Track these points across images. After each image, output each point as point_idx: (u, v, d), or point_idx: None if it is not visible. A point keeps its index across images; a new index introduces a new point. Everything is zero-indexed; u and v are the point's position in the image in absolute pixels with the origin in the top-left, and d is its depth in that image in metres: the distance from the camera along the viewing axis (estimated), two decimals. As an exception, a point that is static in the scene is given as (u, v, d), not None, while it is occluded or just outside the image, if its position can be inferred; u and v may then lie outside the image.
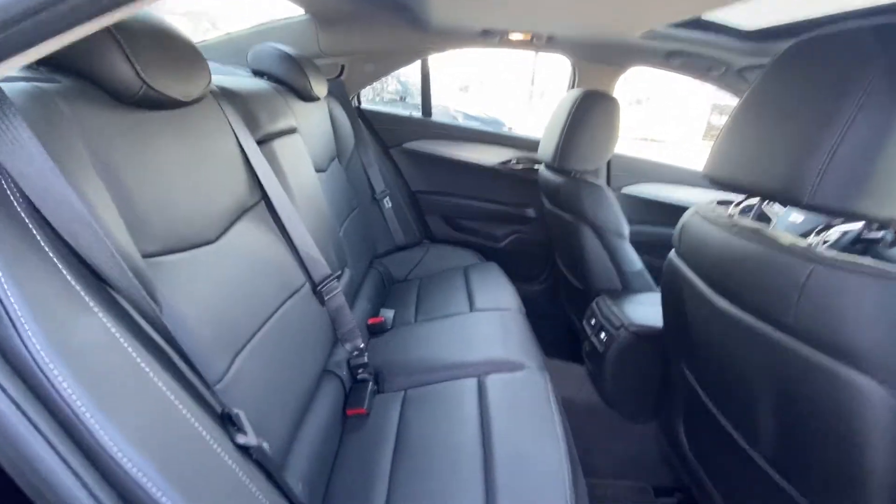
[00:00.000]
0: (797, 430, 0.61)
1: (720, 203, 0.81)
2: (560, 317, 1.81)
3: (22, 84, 0.48)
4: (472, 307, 1.39)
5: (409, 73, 1.93)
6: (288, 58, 1.27)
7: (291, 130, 1.13)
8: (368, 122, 1.90)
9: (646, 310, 1.18)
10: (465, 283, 1.57)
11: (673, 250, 0.90)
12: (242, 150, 0.85)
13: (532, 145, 1.86)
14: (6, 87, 0.43)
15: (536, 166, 1.83)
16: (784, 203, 0.60)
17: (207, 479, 0.45)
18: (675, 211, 1.92)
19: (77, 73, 0.55)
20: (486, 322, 1.29)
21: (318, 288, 1.00)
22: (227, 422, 0.53)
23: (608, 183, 1.88)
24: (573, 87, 1.79)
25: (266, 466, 0.57)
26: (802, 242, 0.60)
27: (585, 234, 1.33)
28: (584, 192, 1.32)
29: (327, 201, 1.26)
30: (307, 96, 1.32)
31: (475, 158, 1.94)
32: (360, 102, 1.93)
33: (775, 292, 0.58)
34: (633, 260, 1.33)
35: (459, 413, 0.94)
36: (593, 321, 1.30)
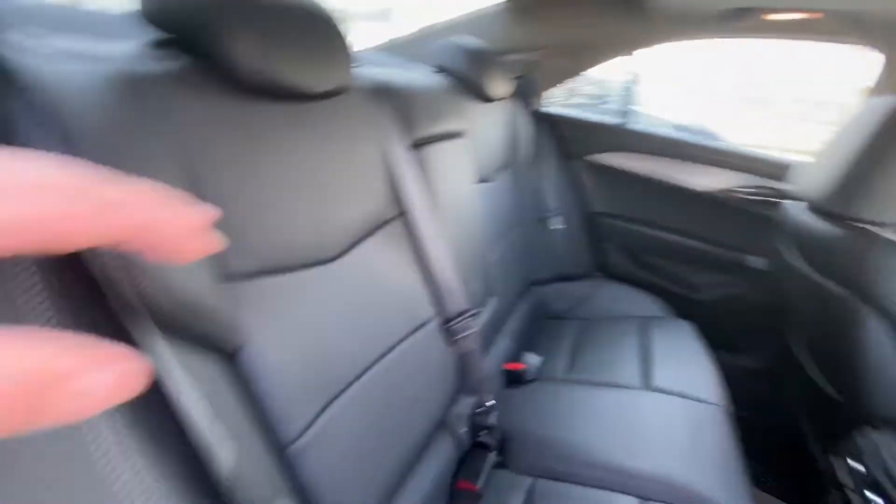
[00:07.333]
0: None
1: None
2: (784, 417, 1.25)
3: (114, 66, 0.41)
4: (647, 383, 1.03)
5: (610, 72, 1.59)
6: (466, 52, 1.13)
7: (456, 134, 0.98)
8: (551, 126, 1.66)
9: None
10: (641, 344, 1.19)
11: None
12: (386, 155, 0.72)
13: (768, 169, 1.33)
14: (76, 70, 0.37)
15: (778, 199, 1.30)
16: None
17: None
18: None
19: (190, 51, 0.48)
20: (665, 413, 0.92)
21: (450, 325, 0.82)
22: None
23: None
24: (878, 91, 1.18)
25: None
26: None
27: (867, 324, 0.82)
28: (878, 256, 0.81)
29: (485, 218, 1.08)
30: (484, 96, 1.16)
31: (684, 181, 1.50)
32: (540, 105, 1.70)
33: None
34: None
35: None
36: (858, 466, 0.80)
